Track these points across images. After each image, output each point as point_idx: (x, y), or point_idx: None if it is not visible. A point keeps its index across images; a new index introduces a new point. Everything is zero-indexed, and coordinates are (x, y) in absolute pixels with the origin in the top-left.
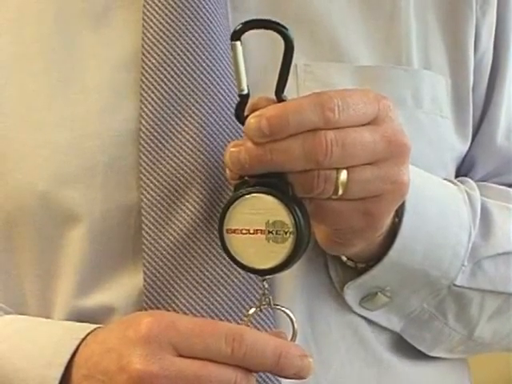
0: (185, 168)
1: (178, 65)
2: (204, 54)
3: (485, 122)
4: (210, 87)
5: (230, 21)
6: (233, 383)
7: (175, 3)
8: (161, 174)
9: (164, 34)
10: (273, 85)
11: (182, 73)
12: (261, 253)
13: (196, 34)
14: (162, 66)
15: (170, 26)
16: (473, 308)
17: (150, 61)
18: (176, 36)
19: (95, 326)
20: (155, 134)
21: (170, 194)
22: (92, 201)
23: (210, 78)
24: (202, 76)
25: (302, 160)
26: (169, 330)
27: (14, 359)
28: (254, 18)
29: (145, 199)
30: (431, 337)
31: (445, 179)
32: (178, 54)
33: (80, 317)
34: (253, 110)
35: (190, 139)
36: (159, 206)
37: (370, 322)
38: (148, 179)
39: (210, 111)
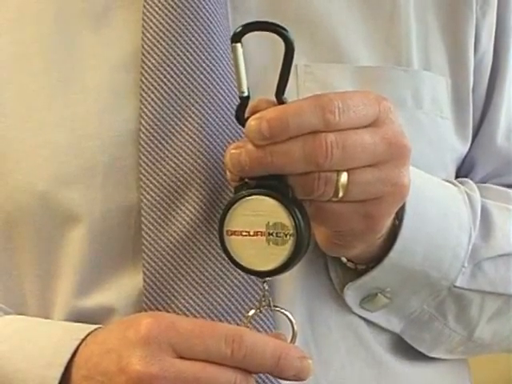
0: (185, 168)
1: (177, 65)
2: (204, 54)
3: (485, 123)
4: (209, 87)
5: (229, 21)
6: None
7: (175, 3)
8: (161, 174)
9: (164, 34)
10: (273, 85)
11: (182, 73)
12: (261, 255)
13: (196, 34)
14: (162, 66)
15: (170, 26)
16: (473, 309)
17: (149, 61)
18: (176, 36)
19: (95, 326)
20: (155, 134)
21: (170, 195)
22: (92, 201)
23: (209, 78)
24: (201, 76)
25: (302, 162)
26: (168, 331)
27: (14, 359)
28: (254, 18)
29: (145, 199)
30: (431, 338)
31: (445, 180)
32: (178, 55)
33: (80, 317)
34: (253, 112)
35: (190, 139)
36: (159, 206)
37: (369, 323)
38: (148, 179)
39: (209, 111)
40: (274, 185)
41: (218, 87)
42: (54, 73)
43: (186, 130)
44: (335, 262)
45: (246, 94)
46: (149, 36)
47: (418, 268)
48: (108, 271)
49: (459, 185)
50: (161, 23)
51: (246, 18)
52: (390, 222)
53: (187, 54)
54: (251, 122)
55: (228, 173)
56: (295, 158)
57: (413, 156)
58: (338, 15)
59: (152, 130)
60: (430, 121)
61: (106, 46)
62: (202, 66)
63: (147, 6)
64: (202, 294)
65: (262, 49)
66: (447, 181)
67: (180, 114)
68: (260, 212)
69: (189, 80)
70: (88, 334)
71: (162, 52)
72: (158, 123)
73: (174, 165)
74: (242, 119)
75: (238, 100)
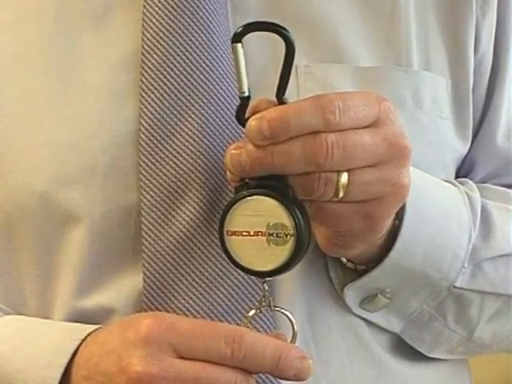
0: (185, 168)
1: (177, 65)
2: (204, 54)
3: (485, 123)
4: (209, 87)
5: (229, 21)
6: None
7: (175, 3)
8: (161, 174)
9: (164, 34)
10: (273, 85)
11: (182, 73)
12: (261, 255)
13: (196, 34)
14: (162, 67)
15: (170, 26)
16: (472, 309)
17: (149, 61)
18: (176, 36)
19: (95, 326)
20: (155, 134)
21: (170, 195)
22: (92, 201)
23: (209, 78)
24: (201, 76)
25: (302, 162)
26: (169, 332)
27: (14, 360)
28: (254, 18)
29: (145, 199)
30: (431, 338)
31: (445, 180)
32: (178, 55)
33: (80, 317)
34: (254, 113)
35: (190, 140)
36: (159, 206)
37: (368, 323)
38: (148, 180)
39: (209, 111)
40: (274, 185)
41: (218, 87)
42: (54, 73)
43: (186, 130)
44: (335, 262)
45: (246, 94)
46: (149, 36)
47: (418, 268)
48: (108, 271)
49: (459, 185)
50: (161, 23)
51: (246, 18)
52: (390, 222)
53: (187, 53)
54: (252, 123)
55: (228, 173)
56: (295, 158)
57: (413, 156)
58: (338, 15)
59: (152, 130)
60: (430, 121)
61: (106, 46)
62: (201, 65)
63: (147, 6)
64: (202, 294)
65: (263, 49)
66: (447, 181)
67: (180, 114)
68: (260, 212)
69: (189, 80)
70: (88, 335)
71: (161, 52)
72: (158, 123)
73: (173, 165)
74: (242, 119)
75: (238, 100)
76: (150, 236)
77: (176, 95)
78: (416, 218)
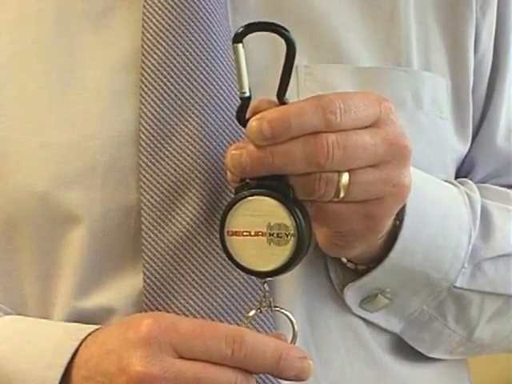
0: (185, 169)
1: (177, 65)
2: (204, 54)
3: (485, 123)
4: (209, 87)
5: (229, 21)
6: None
7: (175, 3)
8: (160, 174)
9: (164, 34)
10: (274, 85)
11: (182, 73)
12: (262, 255)
13: (196, 34)
14: (162, 67)
15: (170, 26)
16: (472, 309)
17: (149, 61)
18: (176, 36)
19: (95, 327)
20: (155, 134)
21: (170, 195)
22: (92, 201)
23: (209, 78)
24: (201, 76)
25: (303, 163)
26: (169, 332)
27: (14, 360)
28: (255, 19)
29: (144, 200)
30: (431, 338)
31: (445, 181)
32: (178, 55)
33: (80, 318)
34: (254, 113)
35: (190, 139)
36: (159, 206)
37: (368, 323)
38: (148, 180)
39: (210, 111)
40: (275, 185)
41: (218, 87)
42: (53, 73)
43: (186, 130)
44: (335, 262)
45: (247, 95)
46: (149, 36)
47: (418, 268)
48: (108, 272)
49: (459, 185)
50: (161, 23)
51: (246, 19)
52: (390, 222)
53: (187, 53)
54: (252, 123)
55: (229, 173)
56: (296, 158)
57: (413, 156)
58: (338, 16)
59: (152, 130)
60: (430, 121)
61: (105, 46)
62: (201, 65)
63: (147, 6)
64: (202, 294)
65: (263, 49)
66: (447, 181)
67: (180, 114)
68: (261, 212)
69: (189, 80)
70: (88, 335)
71: (161, 52)
72: (158, 123)
73: (174, 165)
74: (242, 120)
75: (239, 100)
76: (149, 236)
77: (176, 95)
78: (416, 218)
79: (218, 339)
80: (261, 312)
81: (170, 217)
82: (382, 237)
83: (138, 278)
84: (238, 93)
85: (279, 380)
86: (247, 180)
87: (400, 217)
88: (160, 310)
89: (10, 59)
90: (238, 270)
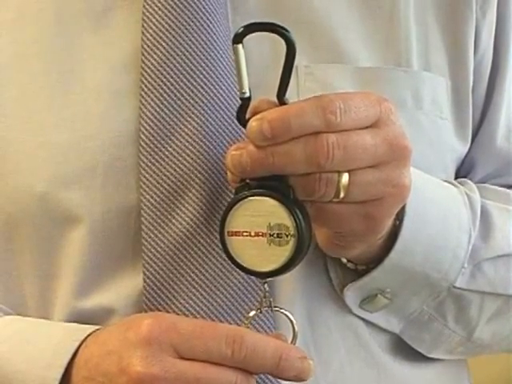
0: (185, 169)
1: (177, 65)
2: (204, 54)
3: (485, 123)
4: (209, 87)
5: (230, 21)
6: None
7: (175, 3)
8: (161, 174)
9: (164, 34)
10: (274, 85)
11: (182, 73)
12: (262, 255)
13: (196, 34)
14: (162, 67)
15: (170, 26)
16: (472, 310)
17: (149, 61)
18: (176, 36)
19: (95, 327)
20: (155, 134)
21: (170, 195)
22: (92, 202)
23: (209, 78)
24: (201, 76)
25: (303, 163)
26: (169, 332)
27: (14, 360)
28: (254, 19)
29: (144, 200)
30: (430, 338)
31: (445, 181)
32: (178, 55)
33: (80, 318)
34: (254, 113)
35: (190, 139)
36: (159, 206)
37: (368, 323)
38: (148, 180)
39: (209, 111)
40: (275, 185)
41: (217, 87)
42: (53, 73)
43: (186, 130)
44: (335, 262)
45: (247, 95)
46: (149, 36)
47: (418, 269)
48: (108, 272)
49: (459, 185)
50: (161, 23)
51: (246, 19)
52: (390, 222)
53: (187, 53)
54: (252, 123)
55: (229, 174)
56: (296, 158)
57: (413, 157)
58: (338, 16)
59: (152, 130)
60: (430, 121)
61: (105, 46)
62: (201, 65)
63: (147, 6)
64: (202, 294)
65: (263, 49)
66: (447, 181)
67: (180, 114)
68: (261, 213)
69: (189, 80)
70: (88, 335)
71: (161, 52)
72: (158, 123)
73: (173, 165)
74: (243, 120)
75: (239, 100)
76: (149, 236)
77: (176, 95)
78: (416, 218)
79: (219, 339)
80: (261, 312)
81: (169, 217)
82: (381, 237)
83: (138, 278)
84: (238, 93)
85: (279, 380)
86: (247, 180)
87: (400, 217)
88: (160, 311)
89: (10, 59)
90: (237, 270)
